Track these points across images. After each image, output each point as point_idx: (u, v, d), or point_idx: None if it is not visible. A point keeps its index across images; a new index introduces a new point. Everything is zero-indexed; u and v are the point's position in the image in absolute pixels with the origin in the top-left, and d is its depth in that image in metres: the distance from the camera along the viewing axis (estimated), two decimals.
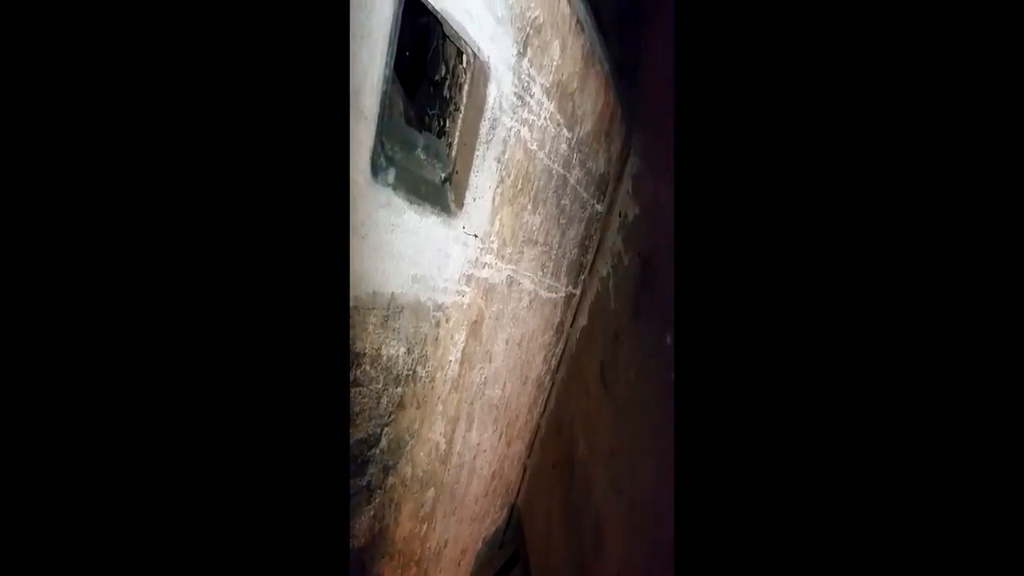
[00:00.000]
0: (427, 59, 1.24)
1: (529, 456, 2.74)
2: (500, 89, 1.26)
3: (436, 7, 0.97)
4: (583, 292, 2.58)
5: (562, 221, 2.04)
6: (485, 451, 2.10)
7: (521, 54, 1.28)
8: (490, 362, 1.84)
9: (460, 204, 1.29)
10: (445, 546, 2.00)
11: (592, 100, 1.88)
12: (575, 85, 1.69)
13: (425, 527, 1.77)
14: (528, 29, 1.27)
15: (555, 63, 1.49)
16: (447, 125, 1.26)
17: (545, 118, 1.57)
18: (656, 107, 2.27)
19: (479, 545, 2.41)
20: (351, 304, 1.04)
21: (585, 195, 2.16)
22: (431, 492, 1.72)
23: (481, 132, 1.26)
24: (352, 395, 1.16)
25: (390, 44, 0.89)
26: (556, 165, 1.79)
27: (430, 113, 1.25)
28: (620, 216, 2.43)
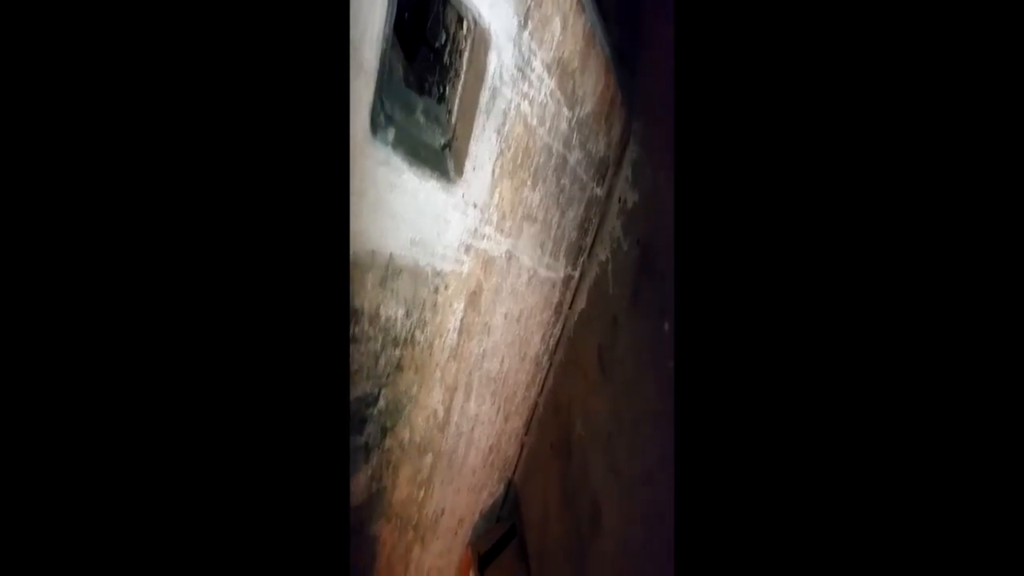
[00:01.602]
0: (427, 24, 1.27)
1: (527, 434, 2.79)
2: (500, 59, 1.29)
3: None
4: (582, 275, 2.60)
5: (561, 201, 2.07)
6: (483, 423, 2.14)
7: (522, 26, 1.31)
8: (488, 335, 1.88)
9: (460, 171, 1.33)
10: (442, 514, 2.04)
11: (593, 81, 1.90)
12: (576, 64, 1.72)
13: (423, 492, 1.81)
14: (529, 1, 1.31)
15: (556, 39, 1.52)
16: (447, 91, 1.29)
17: (546, 94, 1.60)
18: (655, 96, 2.29)
19: (476, 517, 2.45)
20: (350, 257, 1.09)
21: (585, 177, 2.19)
22: (429, 458, 1.77)
23: (481, 101, 1.30)
24: (352, 351, 1.20)
25: (390, 2, 0.92)
26: (556, 143, 1.82)
27: (430, 79, 1.28)
28: (620, 202, 2.46)
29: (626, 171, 2.44)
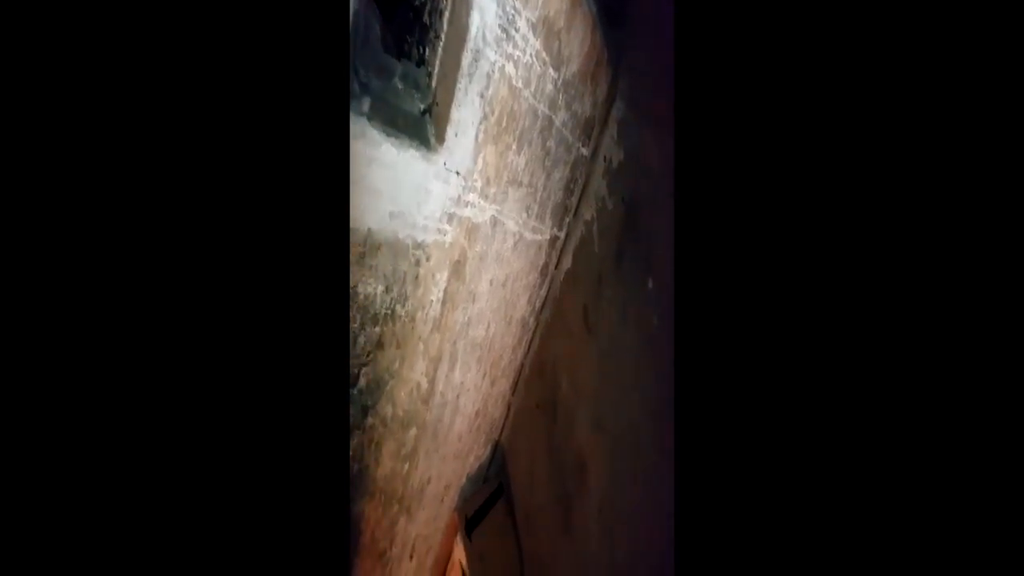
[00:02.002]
0: None
1: (513, 394, 2.79)
2: (483, 18, 1.20)
3: None
4: (568, 235, 2.59)
5: (547, 163, 2.02)
6: (469, 390, 2.12)
7: None
8: (474, 302, 1.84)
9: (441, 139, 1.25)
10: (428, 483, 2.03)
11: (579, 41, 1.84)
12: (561, 23, 1.65)
13: (407, 466, 1.79)
14: None
15: None
16: (427, 53, 1.20)
17: (531, 55, 1.53)
18: (642, 53, 2.27)
19: (463, 480, 2.47)
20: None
21: (571, 138, 2.15)
22: (413, 431, 1.74)
23: (464, 64, 1.21)
24: None
25: None
26: (542, 105, 1.76)
27: (409, 40, 1.19)
28: (605, 161, 2.45)
29: (612, 130, 2.42)
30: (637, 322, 2.04)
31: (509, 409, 2.81)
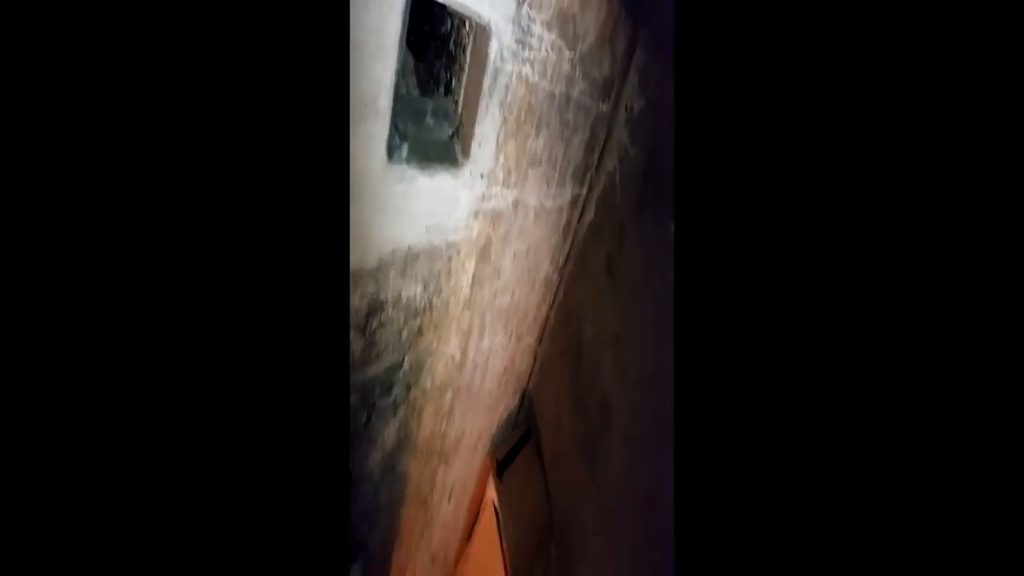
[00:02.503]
0: (432, 23, 1.29)
1: (539, 345, 2.93)
2: (501, 42, 1.29)
3: None
4: (590, 187, 2.62)
5: (566, 134, 2.07)
6: (497, 351, 2.28)
7: (520, 3, 1.30)
8: (499, 277, 1.98)
9: (467, 153, 1.38)
10: (463, 436, 2.24)
11: (594, 14, 1.85)
12: (576, 7, 1.68)
13: (444, 424, 1.99)
14: None
15: None
16: (453, 83, 1.32)
17: (546, 48, 1.59)
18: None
19: (494, 429, 2.66)
20: (374, 263, 1.17)
21: (589, 102, 2.17)
22: (449, 395, 1.93)
23: (484, 87, 1.32)
24: (378, 335, 1.32)
25: (400, 50, 0.97)
26: (558, 86, 1.81)
27: (437, 73, 1.31)
28: (627, 110, 2.42)
29: (633, 79, 2.40)
30: (658, 268, 2.10)
31: (535, 359, 2.96)
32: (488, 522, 2.54)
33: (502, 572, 2.43)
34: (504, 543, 2.44)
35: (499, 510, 2.45)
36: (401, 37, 0.97)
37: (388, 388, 1.48)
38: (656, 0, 2.24)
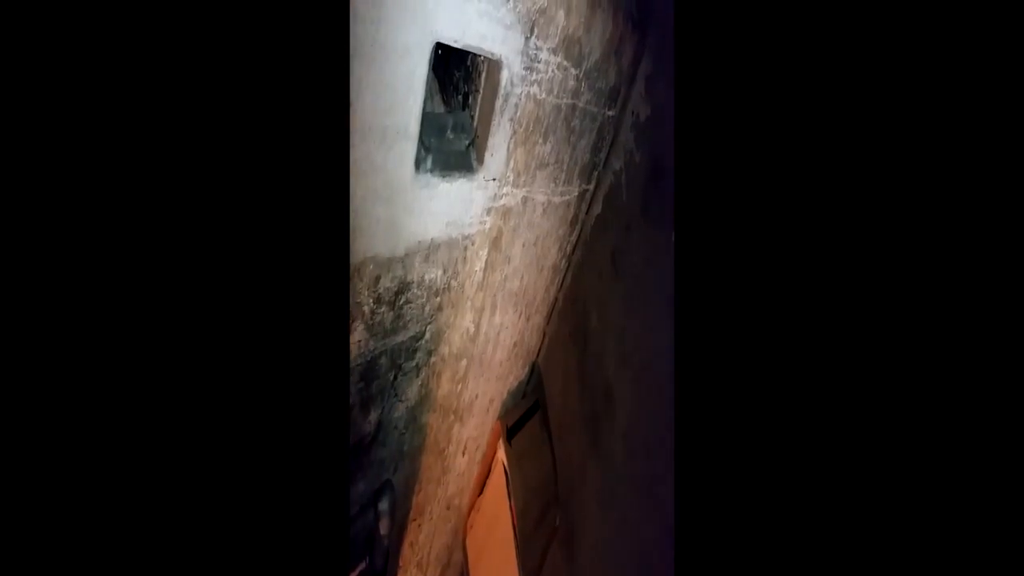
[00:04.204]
0: (453, 64, 1.61)
1: (548, 324, 3.18)
2: (511, 71, 1.57)
3: (456, 45, 1.32)
4: (597, 184, 2.83)
5: (572, 139, 2.29)
6: (507, 327, 2.56)
7: (528, 37, 1.58)
8: (509, 263, 2.25)
9: (481, 160, 1.67)
10: (476, 398, 2.51)
11: (599, 33, 2.04)
12: (581, 31, 1.89)
13: (460, 386, 2.28)
14: (534, 16, 1.56)
15: (561, 25, 1.74)
16: (470, 100, 1.63)
17: (553, 69, 1.83)
18: (668, 8, 2.36)
19: (504, 395, 2.94)
20: (402, 252, 1.49)
21: (595, 109, 2.36)
22: (464, 362, 2.22)
23: (496, 107, 1.61)
24: (405, 309, 1.63)
25: (426, 87, 1.26)
26: (564, 99, 2.04)
27: (457, 92, 1.63)
28: (633, 116, 2.61)
29: (639, 86, 2.57)
30: (660, 266, 2.32)
31: (544, 336, 3.22)
32: (498, 479, 2.76)
33: (510, 525, 2.66)
34: (512, 502, 2.68)
35: (508, 471, 2.70)
36: (428, 78, 1.26)
37: (412, 353, 1.80)
38: (662, 11, 2.42)
